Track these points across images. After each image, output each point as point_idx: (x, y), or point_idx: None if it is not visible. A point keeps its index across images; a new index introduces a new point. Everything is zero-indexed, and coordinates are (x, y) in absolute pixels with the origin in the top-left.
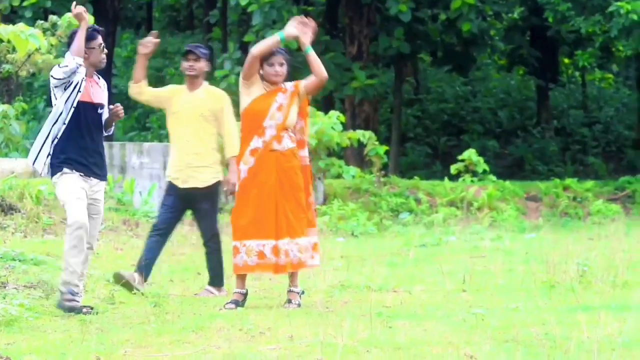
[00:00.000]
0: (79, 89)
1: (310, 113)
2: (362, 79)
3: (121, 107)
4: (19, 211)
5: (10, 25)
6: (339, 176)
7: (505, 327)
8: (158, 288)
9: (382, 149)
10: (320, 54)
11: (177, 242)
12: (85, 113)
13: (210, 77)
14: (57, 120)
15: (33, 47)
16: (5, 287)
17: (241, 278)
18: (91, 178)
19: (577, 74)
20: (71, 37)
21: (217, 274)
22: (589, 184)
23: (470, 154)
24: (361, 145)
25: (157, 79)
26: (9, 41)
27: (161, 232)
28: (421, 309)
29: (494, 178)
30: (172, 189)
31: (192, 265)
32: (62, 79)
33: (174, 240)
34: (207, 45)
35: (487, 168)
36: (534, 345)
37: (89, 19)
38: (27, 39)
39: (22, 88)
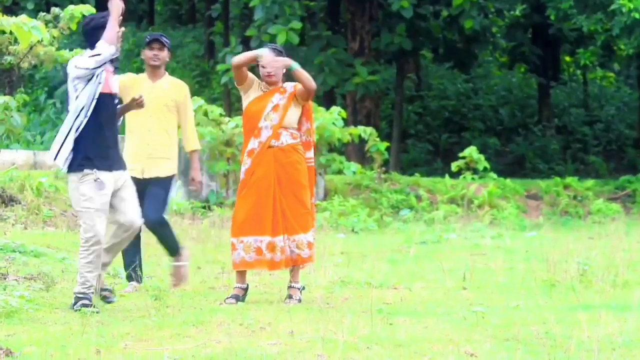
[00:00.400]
0: (100, 79)
1: (313, 109)
2: (363, 74)
3: (143, 98)
4: (20, 203)
5: (13, 17)
6: (339, 172)
7: (505, 326)
8: (158, 281)
9: (383, 145)
10: (322, 50)
11: (177, 236)
12: (105, 104)
13: (212, 72)
14: (79, 114)
15: (35, 39)
16: (5, 278)
17: (241, 273)
18: (114, 171)
19: (578, 72)
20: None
21: (173, 244)
22: (590, 182)
23: (471, 152)
24: (362, 141)
25: None
26: (11, 33)
27: None
28: (422, 306)
29: (494, 176)
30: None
31: (193, 259)
32: (93, 68)
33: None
34: (209, 40)
35: (487, 166)
36: (535, 343)
37: (120, 8)
38: (29, 31)
39: (24, 80)
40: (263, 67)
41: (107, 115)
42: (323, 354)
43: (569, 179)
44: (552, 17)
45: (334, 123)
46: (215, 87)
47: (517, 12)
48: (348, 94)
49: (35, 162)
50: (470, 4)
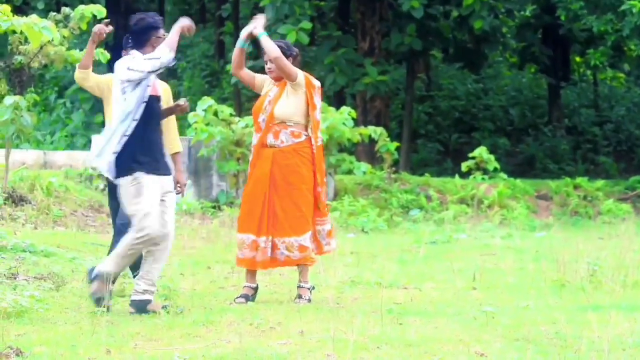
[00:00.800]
0: (149, 82)
1: (322, 109)
2: (373, 75)
3: (188, 104)
4: (30, 202)
5: (24, 17)
6: (349, 172)
7: (515, 326)
8: (169, 282)
9: (393, 145)
10: (332, 50)
11: (188, 236)
12: (153, 107)
13: (222, 72)
14: (126, 117)
15: (46, 39)
16: (15, 278)
17: (251, 272)
18: (162, 175)
19: (588, 72)
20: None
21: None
22: (600, 183)
23: (481, 152)
24: (372, 141)
25: (168, 73)
26: (21, 32)
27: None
28: (431, 306)
29: (504, 176)
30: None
31: (203, 259)
32: (149, 72)
33: (184, 234)
34: (219, 40)
35: (497, 166)
36: (545, 344)
37: (191, 26)
38: (40, 31)
39: (34, 79)
40: (265, 62)
41: (154, 118)
42: (333, 353)
43: (579, 180)
44: (563, 18)
45: (344, 123)
46: (225, 87)
47: (527, 13)
48: (358, 94)
49: (45, 162)
50: (481, 4)
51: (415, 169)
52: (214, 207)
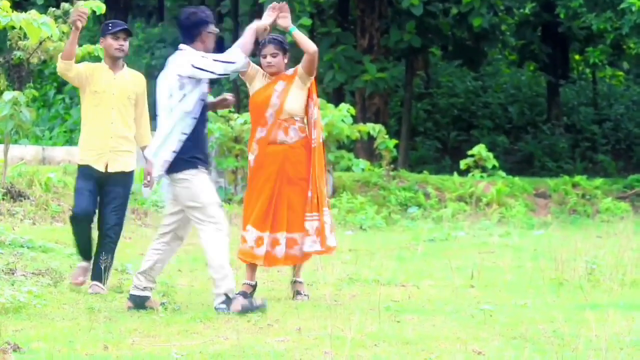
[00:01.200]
0: (206, 80)
1: (321, 105)
2: (372, 72)
3: (233, 98)
4: (28, 198)
5: (23, 13)
6: (348, 169)
7: (513, 324)
8: (166, 278)
9: (392, 142)
10: (331, 47)
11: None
12: (206, 104)
13: None
14: (185, 116)
15: (45, 35)
16: (13, 273)
17: (251, 269)
18: (207, 171)
19: (587, 70)
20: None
21: (103, 269)
22: (598, 181)
23: (479, 149)
24: (371, 138)
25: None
26: (20, 28)
27: (86, 219)
28: (429, 303)
29: (503, 174)
30: (89, 172)
31: (201, 255)
32: (219, 74)
33: None
34: (218, 36)
35: (496, 164)
36: (542, 342)
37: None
38: (39, 26)
39: (33, 75)
40: (264, 57)
41: (205, 114)
42: (330, 351)
43: (578, 178)
44: (562, 16)
45: (342, 120)
46: (224, 84)
47: (527, 10)
48: (357, 91)
49: (44, 158)
50: (480, 1)
51: (414, 167)
52: None
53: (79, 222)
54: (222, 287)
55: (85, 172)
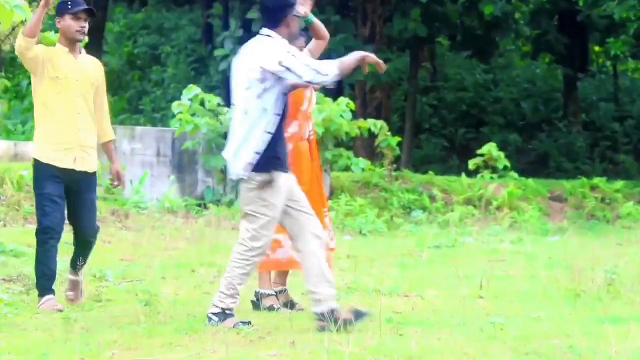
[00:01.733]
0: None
1: (318, 99)
2: None
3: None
4: None
5: None
6: (347, 169)
7: (525, 338)
8: (149, 285)
9: (395, 140)
10: (330, 35)
11: (170, 236)
12: (287, 100)
13: (210, 57)
14: (265, 112)
15: (18, 20)
16: None
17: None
18: (288, 173)
19: (608, 63)
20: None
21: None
22: (619, 184)
23: (490, 148)
24: (372, 135)
25: (152, 58)
26: None
27: (58, 236)
28: (434, 315)
29: (515, 175)
30: (55, 174)
31: (186, 261)
32: (306, 81)
33: (166, 234)
34: (207, 23)
35: (508, 164)
36: (557, 358)
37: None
38: (11, 10)
39: (5, 64)
40: (300, 49)
41: (287, 110)
42: None
43: (597, 180)
44: (581, 3)
45: (341, 115)
46: (212, 75)
47: None
48: (357, 84)
49: (15, 154)
50: None
51: (418, 166)
52: (199, 205)
53: (50, 239)
54: (325, 304)
55: (50, 172)
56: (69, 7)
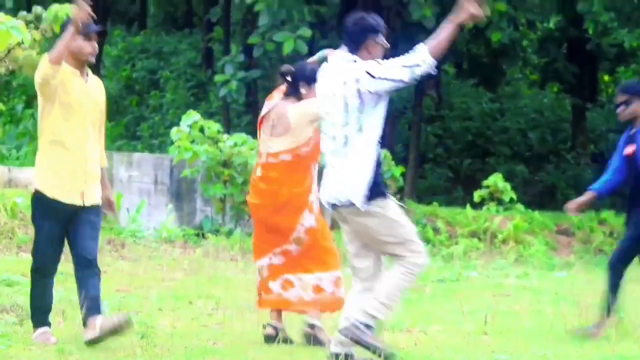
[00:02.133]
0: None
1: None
2: None
3: None
4: None
5: None
6: None
7: None
8: (146, 317)
9: (398, 170)
10: None
11: (167, 267)
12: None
13: (209, 83)
14: (371, 139)
15: (14, 41)
16: None
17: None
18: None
19: None
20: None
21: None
22: None
23: (495, 180)
24: None
25: (151, 82)
26: None
27: (53, 273)
28: (438, 351)
29: (521, 208)
30: (58, 210)
31: (184, 293)
32: (407, 81)
33: (163, 264)
34: (207, 47)
35: (514, 196)
36: None
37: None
38: (8, 31)
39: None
40: None
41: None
42: None
43: (605, 213)
44: (591, 31)
45: None
46: (212, 101)
47: (551, 25)
48: None
49: (10, 179)
50: (499, 14)
51: (422, 197)
52: (197, 235)
53: (44, 278)
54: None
55: (52, 209)
56: (85, 29)
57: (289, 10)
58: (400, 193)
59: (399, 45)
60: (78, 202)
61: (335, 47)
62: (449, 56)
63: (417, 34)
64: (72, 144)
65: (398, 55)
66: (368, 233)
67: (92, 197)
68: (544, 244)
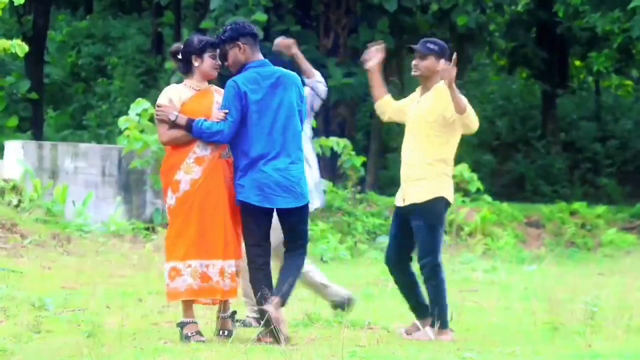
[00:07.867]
0: None
1: None
2: (338, 77)
3: None
4: None
5: None
6: None
7: None
8: (92, 315)
9: (359, 160)
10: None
11: (116, 262)
12: None
13: (160, 69)
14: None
15: None
16: None
17: (190, 306)
18: None
19: (590, 79)
20: None
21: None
22: (601, 209)
23: (462, 170)
24: (334, 155)
25: (97, 69)
26: None
27: None
28: (401, 349)
29: (489, 199)
30: None
31: (133, 289)
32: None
33: (111, 259)
34: (157, 32)
35: (481, 187)
36: None
37: None
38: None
39: None
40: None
41: None
42: None
43: (577, 205)
44: (561, 14)
45: None
46: (163, 88)
47: (520, 8)
48: None
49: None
50: None
51: (384, 189)
52: (147, 229)
53: None
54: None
55: None
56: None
57: None
58: (361, 184)
59: (358, 29)
60: None
61: (291, 32)
62: (412, 41)
63: (378, 18)
64: None
65: (358, 39)
66: None
67: None
68: (513, 237)
